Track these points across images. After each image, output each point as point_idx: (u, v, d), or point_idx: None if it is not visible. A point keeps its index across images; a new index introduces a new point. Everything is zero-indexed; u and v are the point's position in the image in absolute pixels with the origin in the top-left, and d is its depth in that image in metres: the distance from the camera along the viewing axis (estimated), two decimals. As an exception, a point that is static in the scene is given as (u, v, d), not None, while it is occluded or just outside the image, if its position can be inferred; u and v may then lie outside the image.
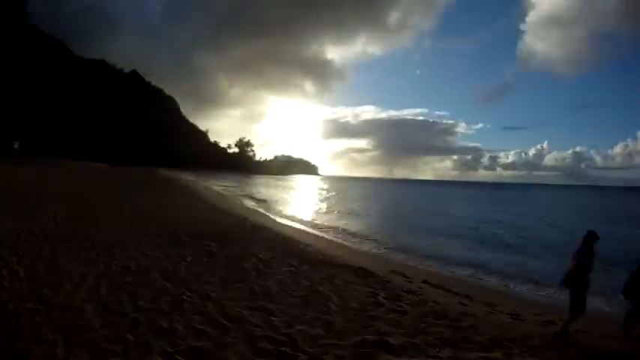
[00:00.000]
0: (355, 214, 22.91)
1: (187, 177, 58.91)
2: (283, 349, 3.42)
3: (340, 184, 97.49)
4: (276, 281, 5.69)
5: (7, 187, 17.20)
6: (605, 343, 4.23)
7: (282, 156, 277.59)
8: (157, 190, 24.35)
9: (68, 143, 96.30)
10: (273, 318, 4.17)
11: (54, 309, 3.96)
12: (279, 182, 76.80)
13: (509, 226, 20.11)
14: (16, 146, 70.96)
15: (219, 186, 42.78)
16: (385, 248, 11.91)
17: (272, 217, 17.90)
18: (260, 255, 7.44)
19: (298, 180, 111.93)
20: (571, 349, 3.96)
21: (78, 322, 3.68)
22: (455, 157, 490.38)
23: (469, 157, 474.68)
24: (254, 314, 4.24)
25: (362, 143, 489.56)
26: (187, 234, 9.00)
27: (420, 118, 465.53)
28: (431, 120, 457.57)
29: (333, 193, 48.11)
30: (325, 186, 71.11)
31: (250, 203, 25.55)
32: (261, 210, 21.09)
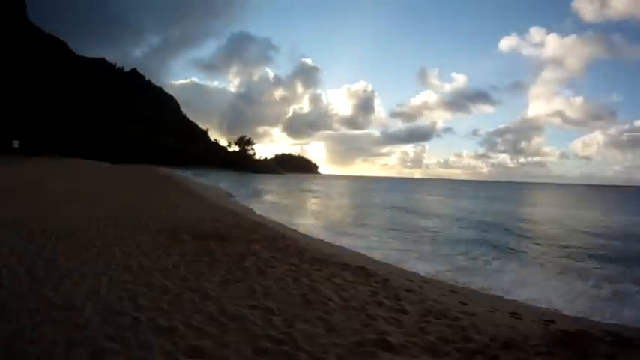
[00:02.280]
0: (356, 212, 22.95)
1: (187, 176, 58.95)
2: (283, 347, 3.42)
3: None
4: (276, 280, 5.69)
5: (6, 186, 17.22)
6: (605, 343, 4.22)
7: (283, 154, 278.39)
8: (157, 189, 24.36)
9: (68, 142, 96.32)
10: (273, 317, 4.17)
11: (54, 308, 3.96)
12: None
13: (505, 224, 20.08)
14: (15, 145, 71.03)
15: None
16: (385, 247, 11.90)
17: (272, 216, 17.90)
18: (260, 254, 7.44)
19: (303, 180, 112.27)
20: (571, 349, 3.96)
21: (78, 320, 3.68)
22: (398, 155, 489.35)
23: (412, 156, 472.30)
24: (254, 313, 4.24)
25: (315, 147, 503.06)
26: (188, 233, 9.00)
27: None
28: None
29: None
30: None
31: (251, 203, 25.54)
32: (261, 209, 21.09)
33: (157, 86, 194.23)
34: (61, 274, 5.16)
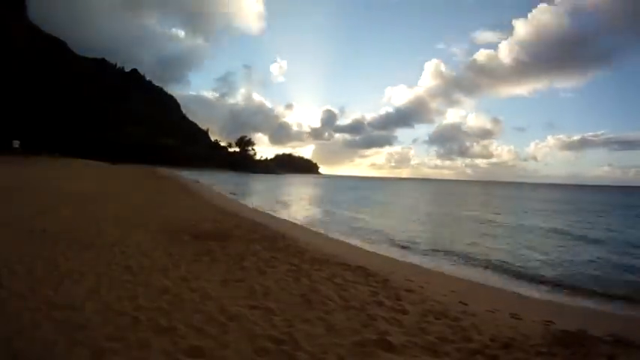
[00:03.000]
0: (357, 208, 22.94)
1: (187, 176, 58.95)
2: (283, 347, 3.42)
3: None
4: (277, 280, 5.69)
5: (6, 186, 17.21)
6: (606, 343, 4.22)
7: (283, 155, 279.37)
8: (157, 190, 24.36)
9: (68, 142, 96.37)
10: (274, 317, 4.17)
11: (54, 308, 3.95)
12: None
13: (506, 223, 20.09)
14: (16, 145, 70.99)
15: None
16: (386, 247, 11.91)
17: (273, 215, 17.90)
18: (260, 254, 7.44)
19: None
20: (571, 349, 3.96)
21: (78, 320, 3.68)
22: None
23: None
24: (254, 313, 4.24)
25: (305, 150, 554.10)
26: (188, 233, 9.00)
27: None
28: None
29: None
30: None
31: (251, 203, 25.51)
32: (261, 209, 21.09)
33: (157, 86, 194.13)
34: (61, 274, 5.15)
